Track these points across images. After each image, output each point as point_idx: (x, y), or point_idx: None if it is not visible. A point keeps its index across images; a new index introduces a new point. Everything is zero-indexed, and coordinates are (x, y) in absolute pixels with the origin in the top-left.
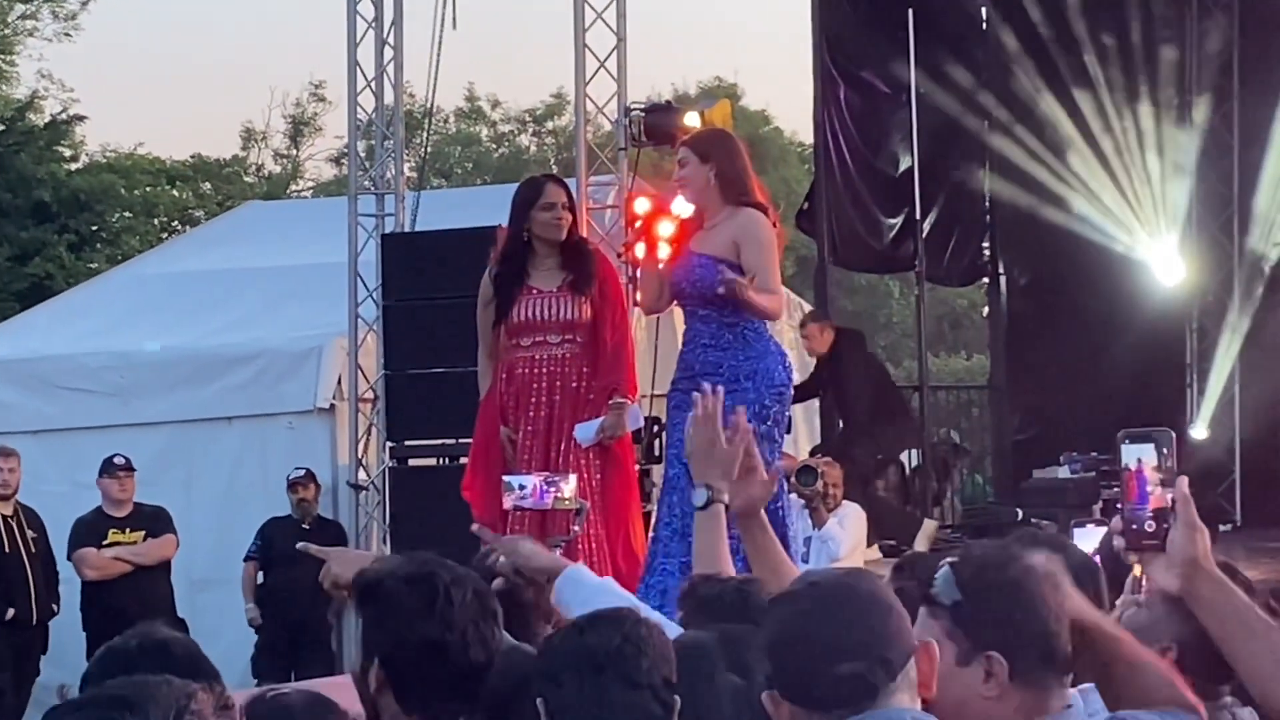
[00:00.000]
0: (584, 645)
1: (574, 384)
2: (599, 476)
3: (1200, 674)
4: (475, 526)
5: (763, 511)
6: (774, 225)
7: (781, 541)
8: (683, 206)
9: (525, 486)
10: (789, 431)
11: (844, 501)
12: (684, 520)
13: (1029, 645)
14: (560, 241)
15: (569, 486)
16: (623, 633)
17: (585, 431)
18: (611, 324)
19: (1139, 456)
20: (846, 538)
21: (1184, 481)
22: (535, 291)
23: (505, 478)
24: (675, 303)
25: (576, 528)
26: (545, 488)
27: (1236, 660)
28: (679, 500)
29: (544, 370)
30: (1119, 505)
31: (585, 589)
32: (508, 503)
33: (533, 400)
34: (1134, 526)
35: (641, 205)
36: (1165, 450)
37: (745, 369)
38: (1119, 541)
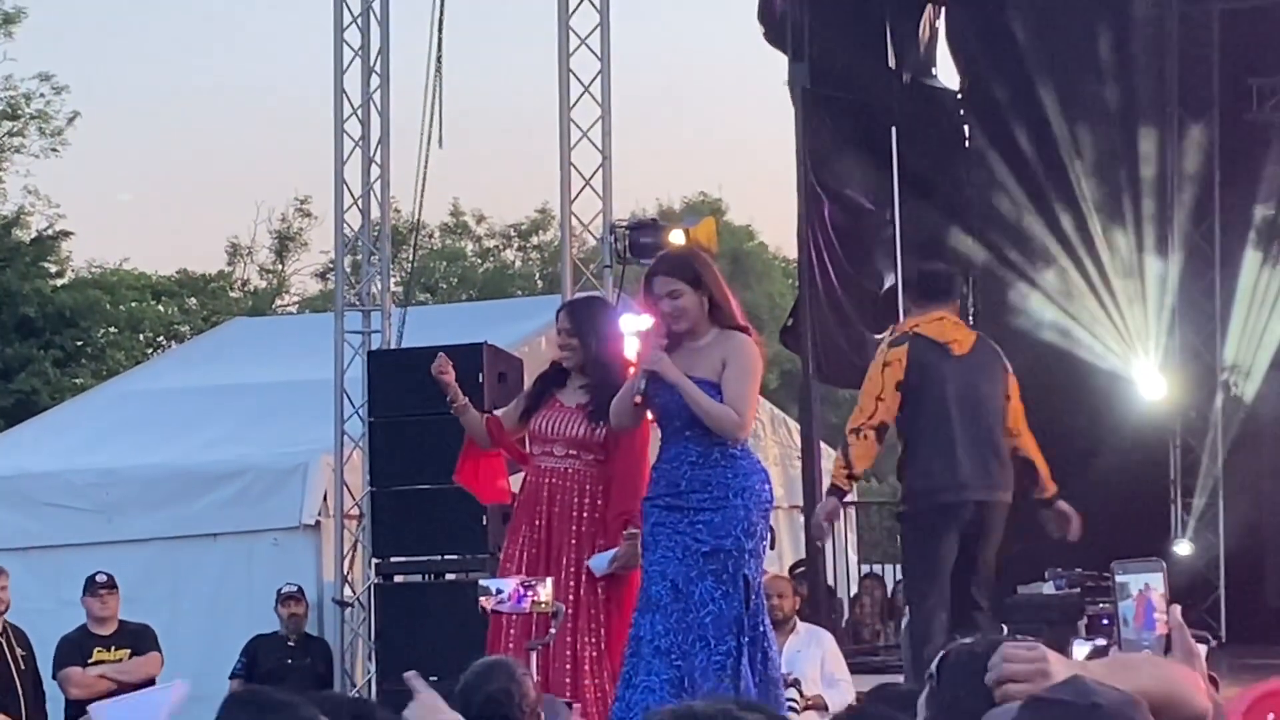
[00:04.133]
0: None
1: (575, 499)
2: (604, 598)
3: None
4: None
5: None
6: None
7: (764, 658)
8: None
9: (503, 590)
10: (772, 547)
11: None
12: (666, 638)
13: None
14: (576, 366)
15: (545, 590)
16: None
17: (599, 562)
18: (627, 447)
19: (1147, 582)
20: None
21: (1177, 610)
22: (557, 405)
23: (482, 581)
24: (652, 420)
25: (553, 630)
26: (523, 591)
27: None
28: (661, 619)
29: (546, 481)
30: (1118, 628)
31: None
32: (486, 606)
33: (538, 509)
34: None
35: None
36: (1165, 579)
37: (735, 486)
38: None
